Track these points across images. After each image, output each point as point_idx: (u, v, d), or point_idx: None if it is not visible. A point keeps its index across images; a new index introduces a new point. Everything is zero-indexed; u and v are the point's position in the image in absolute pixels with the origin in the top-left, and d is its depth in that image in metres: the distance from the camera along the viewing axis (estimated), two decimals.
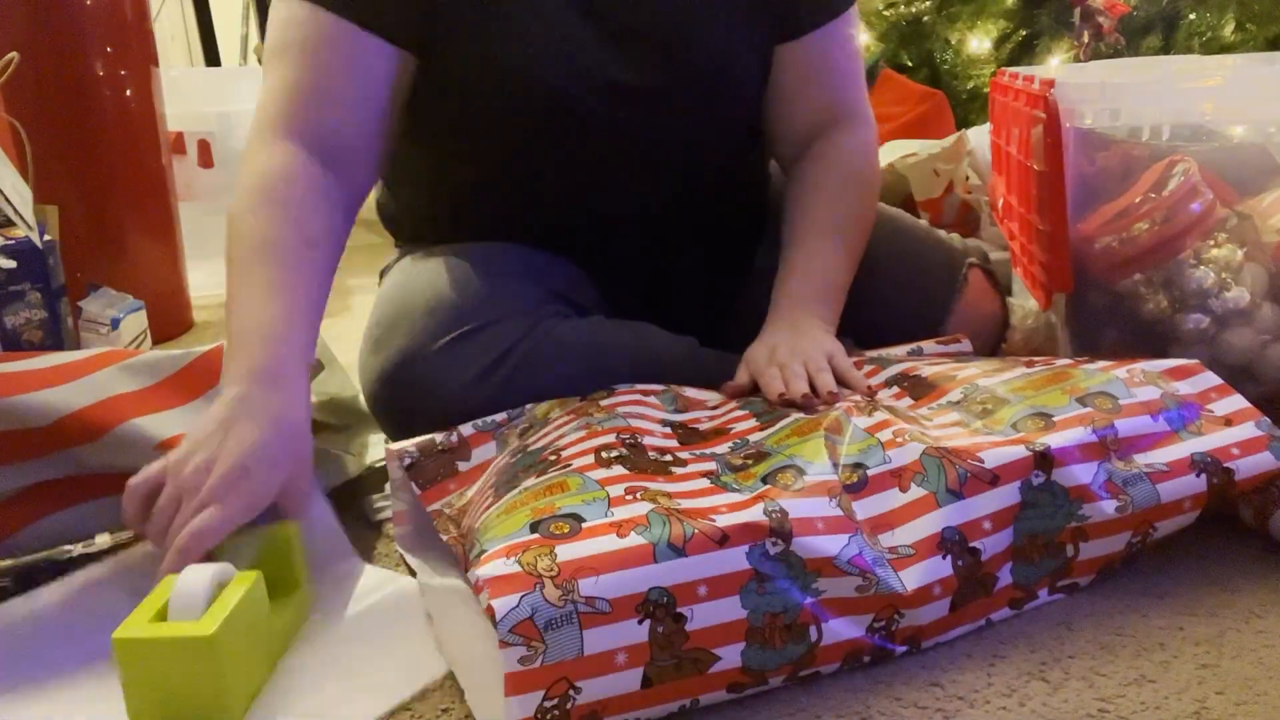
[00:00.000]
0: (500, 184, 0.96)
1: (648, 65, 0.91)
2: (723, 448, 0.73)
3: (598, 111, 0.90)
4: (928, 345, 0.94)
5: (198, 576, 0.60)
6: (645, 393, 0.82)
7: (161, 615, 0.59)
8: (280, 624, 0.66)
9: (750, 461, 0.70)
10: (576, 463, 0.68)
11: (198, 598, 0.59)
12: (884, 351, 0.92)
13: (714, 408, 0.82)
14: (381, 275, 1.07)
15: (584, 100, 0.90)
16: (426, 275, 0.93)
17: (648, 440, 0.72)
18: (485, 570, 0.57)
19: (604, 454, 0.68)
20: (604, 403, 0.79)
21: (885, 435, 0.70)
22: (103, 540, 0.73)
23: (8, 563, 0.71)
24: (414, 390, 0.86)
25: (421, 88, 0.90)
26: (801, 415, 0.75)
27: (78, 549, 0.72)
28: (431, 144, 0.95)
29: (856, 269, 0.96)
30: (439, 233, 1.01)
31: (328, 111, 0.83)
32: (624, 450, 0.69)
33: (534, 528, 0.60)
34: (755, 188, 1.09)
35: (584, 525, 0.60)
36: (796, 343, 0.86)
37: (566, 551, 0.58)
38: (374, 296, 0.98)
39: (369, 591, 0.74)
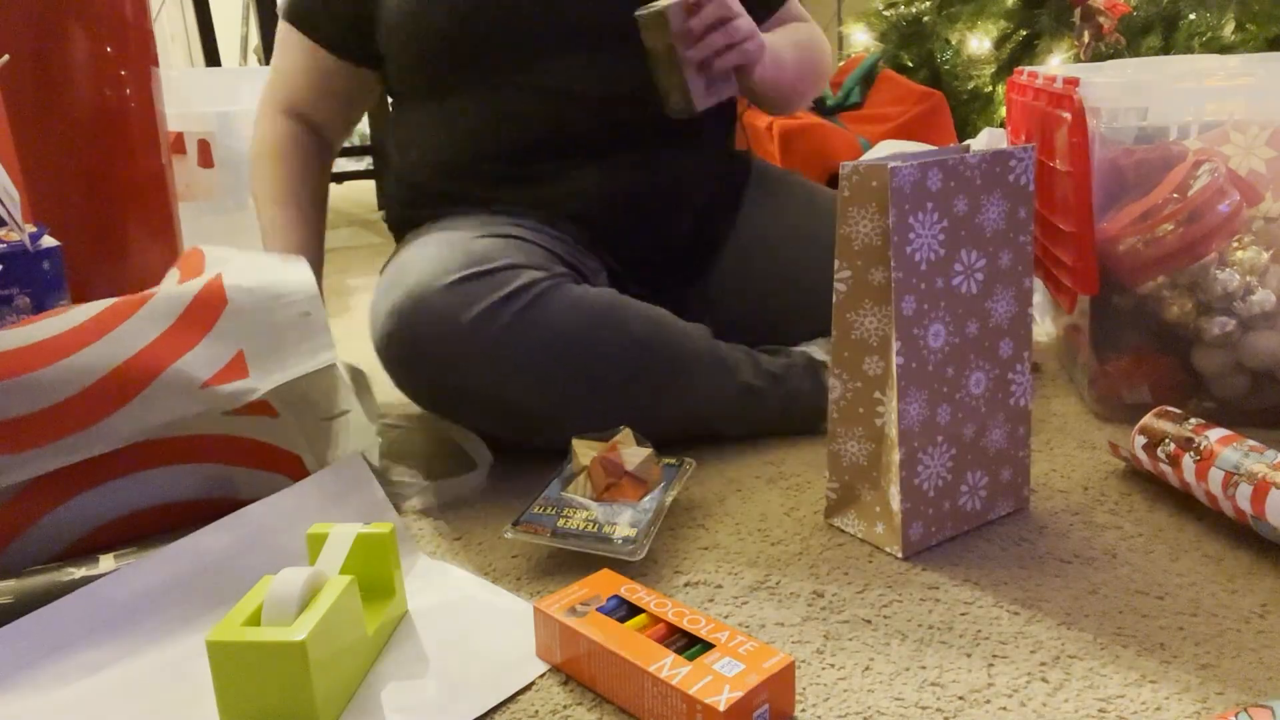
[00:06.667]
0: (494, 100, 1.03)
1: None
2: None
3: None
4: None
5: (292, 580, 0.60)
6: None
7: (255, 618, 0.59)
8: (374, 627, 0.66)
9: None
10: None
11: (291, 602, 0.59)
12: None
13: None
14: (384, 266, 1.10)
15: None
16: (439, 234, 0.96)
17: None
18: None
19: None
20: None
21: None
22: (106, 563, 0.73)
23: (10, 582, 0.71)
24: (421, 322, 0.87)
25: (384, 54, 1.06)
26: None
27: (80, 571, 0.72)
28: (411, 96, 1.08)
29: (799, 86, 1.10)
30: (447, 186, 1.07)
31: (298, 96, 1.12)
32: None
33: None
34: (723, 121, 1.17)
35: None
36: None
37: None
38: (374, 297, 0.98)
39: (420, 582, 0.76)
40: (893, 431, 0.76)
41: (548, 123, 1.02)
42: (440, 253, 0.91)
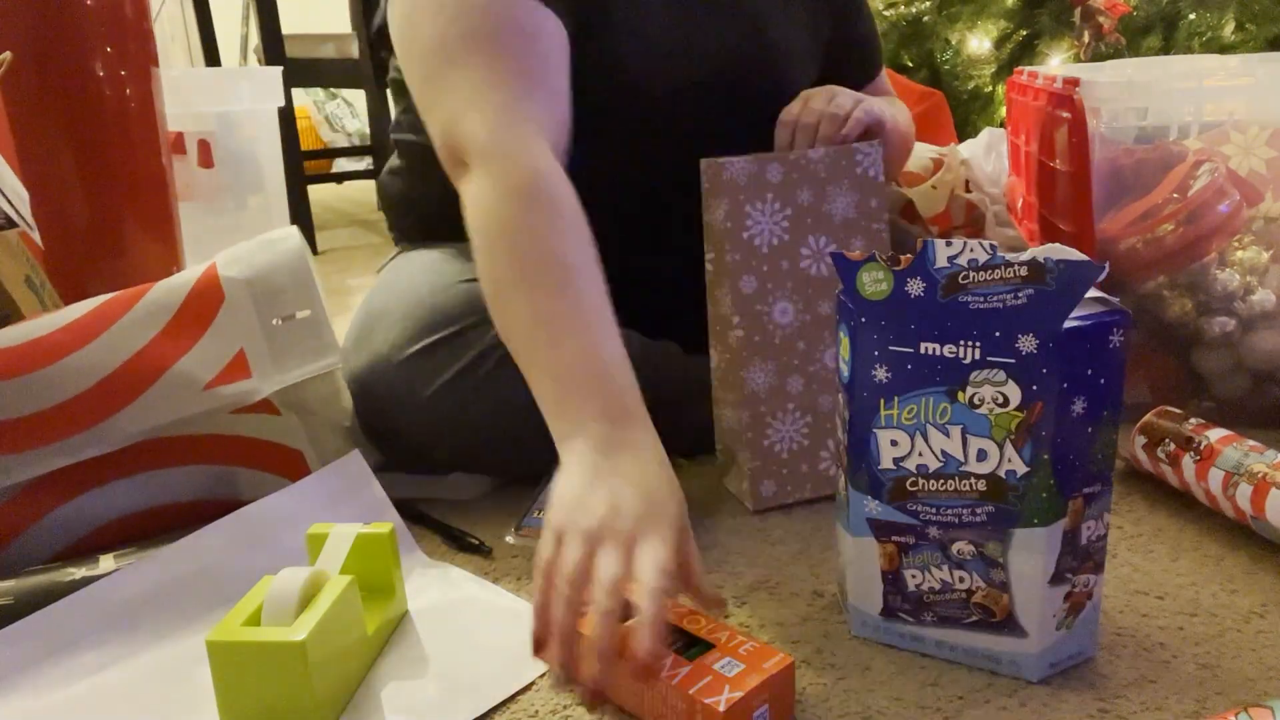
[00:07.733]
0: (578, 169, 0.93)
1: (743, 35, 0.96)
2: None
3: (703, 88, 0.94)
4: None
5: (292, 580, 0.61)
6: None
7: (255, 618, 0.59)
8: (374, 627, 0.67)
9: None
10: None
11: (291, 602, 0.59)
12: None
13: None
14: (379, 273, 1.08)
15: (697, 81, 0.93)
16: (408, 276, 0.93)
17: None
18: None
19: None
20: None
21: None
22: (106, 563, 0.73)
23: (10, 582, 0.71)
24: (382, 395, 0.87)
25: None
26: None
27: (80, 572, 0.72)
28: None
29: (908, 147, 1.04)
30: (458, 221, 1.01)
31: (542, 95, 0.78)
32: None
33: None
34: None
35: None
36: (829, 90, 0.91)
37: None
38: None
39: (421, 582, 0.76)
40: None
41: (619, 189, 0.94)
42: (404, 311, 0.88)
